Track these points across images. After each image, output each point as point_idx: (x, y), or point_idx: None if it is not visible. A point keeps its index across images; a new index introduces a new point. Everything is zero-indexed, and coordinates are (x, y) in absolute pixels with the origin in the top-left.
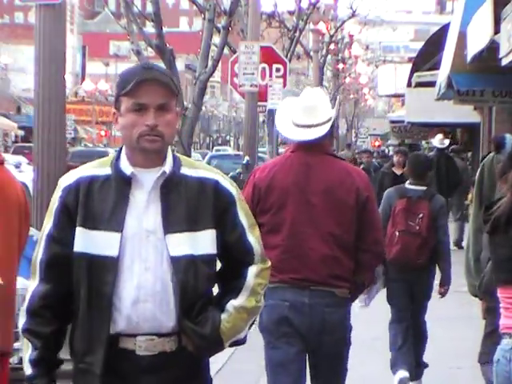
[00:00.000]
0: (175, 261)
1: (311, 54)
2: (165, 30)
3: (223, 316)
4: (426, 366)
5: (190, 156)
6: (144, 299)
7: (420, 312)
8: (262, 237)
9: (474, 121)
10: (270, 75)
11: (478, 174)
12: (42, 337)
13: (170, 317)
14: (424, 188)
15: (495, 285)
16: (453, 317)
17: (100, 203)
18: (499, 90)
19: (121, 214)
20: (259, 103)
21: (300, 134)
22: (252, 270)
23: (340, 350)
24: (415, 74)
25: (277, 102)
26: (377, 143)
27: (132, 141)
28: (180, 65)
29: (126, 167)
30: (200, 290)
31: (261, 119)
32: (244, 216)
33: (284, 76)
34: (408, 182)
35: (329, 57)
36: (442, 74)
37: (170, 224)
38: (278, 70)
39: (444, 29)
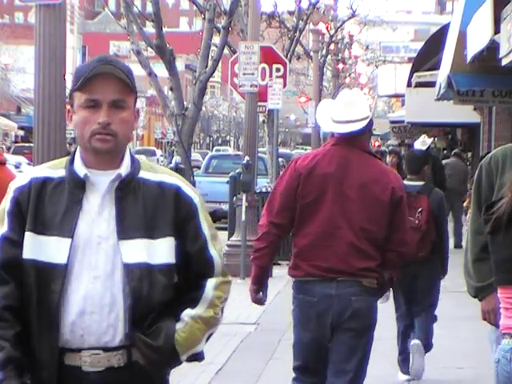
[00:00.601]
0: (128, 268)
1: (311, 54)
2: (165, 30)
3: (178, 326)
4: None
5: (190, 156)
6: (90, 311)
7: (423, 315)
8: (296, 224)
9: (473, 121)
10: (270, 75)
11: (476, 174)
12: (6, 338)
13: (118, 330)
14: (422, 183)
15: (495, 285)
16: (453, 317)
17: (51, 207)
18: (499, 90)
19: (72, 218)
20: (259, 103)
21: (338, 128)
22: (211, 283)
23: (362, 333)
24: (415, 74)
25: (277, 101)
26: (377, 143)
27: (84, 140)
28: (180, 65)
29: (80, 169)
30: (154, 301)
31: (261, 119)
32: (206, 226)
33: (284, 76)
34: (406, 178)
35: (329, 57)
36: (441, 74)
37: (125, 230)
38: (278, 70)
39: (444, 29)
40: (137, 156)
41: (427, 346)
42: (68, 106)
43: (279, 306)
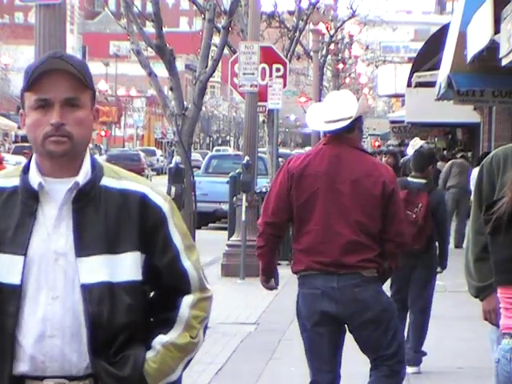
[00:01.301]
0: (87, 289)
1: (311, 54)
2: (165, 30)
3: (149, 354)
4: (425, 354)
5: (190, 156)
6: (51, 334)
7: (420, 303)
8: (294, 223)
9: (473, 121)
10: (270, 75)
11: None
12: None
13: (82, 356)
14: (424, 181)
15: (495, 285)
16: (453, 317)
17: (3, 220)
18: (499, 90)
19: (25, 233)
20: (259, 103)
21: (325, 126)
22: (187, 300)
23: (381, 321)
24: (415, 74)
25: (277, 101)
26: (377, 143)
27: (37, 144)
28: (180, 65)
29: (34, 177)
30: (118, 324)
31: (261, 119)
32: (178, 236)
33: (284, 76)
34: (411, 175)
35: (329, 57)
36: (441, 74)
37: (83, 245)
38: (278, 69)
39: (444, 29)
40: (99, 160)
41: (423, 329)
42: (21, 110)
43: (279, 306)
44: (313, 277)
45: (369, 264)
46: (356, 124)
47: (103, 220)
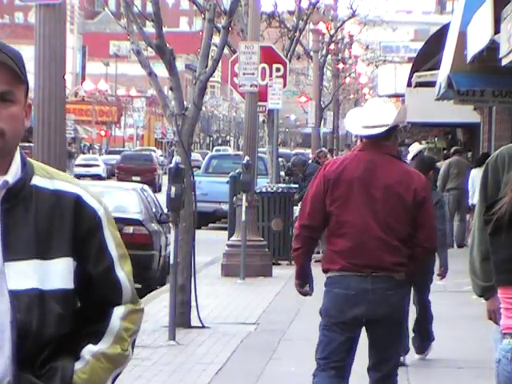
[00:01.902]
0: (15, 296)
1: (311, 54)
2: (165, 30)
3: (78, 365)
4: (433, 339)
5: (190, 156)
6: None
7: (423, 291)
8: (329, 226)
9: (474, 121)
10: (270, 75)
11: (482, 172)
12: None
13: (6, 368)
14: None
15: (495, 285)
16: (453, 317)
17: None
18: (499, 89)
19: None
20: (259, 103)
21: (362, 131)
22: (118, 312)
23: (399, 324)
24: (415, 74)
25: (277, 101)
26: None
27: None
28: (180, 65)
29: None
30: (47, 335)
31: (261, 119)
32: (113, 244)
33: (284, 76)
34: None
35: (329, 57)
36: (441, 74)
37: (12, 249)
38: (278, 69)
39: (444, 29)
40: (31, 159)
41: (429, 315)
42: None
43: (279, 306)
44: (347, 277)
45: (400, 268)
46: (392, 132)
47: (34, 222)
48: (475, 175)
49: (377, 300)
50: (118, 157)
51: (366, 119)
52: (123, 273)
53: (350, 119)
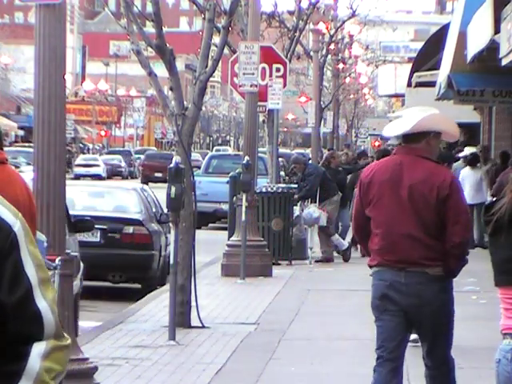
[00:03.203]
0: None
1: (311, 53)
2: (165, 30)
3: None
4: None
5: (190, 156)
6: None
7: None
8: (372, 226)
9: (474, 121)
10: (270, 75)
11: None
12: None
13: None
14: None
15: (495, 286)
16: None
17: None
18: (499, 90)
19: None
20: (259, 103)
21: (393, 136)
22: (38, 349)
23: (440, 319)
24: (415, 74)
25: (277, 101)
26: (377, 143)
27: None
28: (180, 65)
29: None
30: None
31: (261, 119)
32: (32, 266)
33: (284, 76)
34: None
35: (329, 57)
36: (442, 74)
37: None
38: (278, 69)
39: (444, 29)
40: None
41: None
42: None
43: (279, 306)
44: (383, 272)
45: (432, 262)
46: (423, 136)
47: None
48: (466, 175)
49: (409, 292)
50: (118, 156)
51: (396, 126)
52: (45, 302)
53: (391, 126)
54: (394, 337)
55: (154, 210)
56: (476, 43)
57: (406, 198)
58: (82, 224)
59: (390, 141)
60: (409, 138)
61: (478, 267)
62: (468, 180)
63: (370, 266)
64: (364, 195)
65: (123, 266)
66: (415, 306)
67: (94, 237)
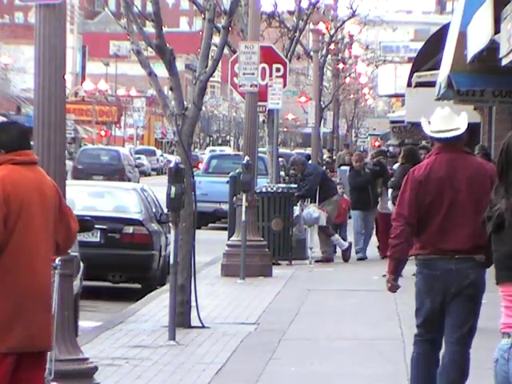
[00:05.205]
0: None
1: (311, 53)
2: (165, 30)
3: None
4: None
5: (190, 156)
6: None
7: None
8: (421, 219)
9: (474, 121)
10: (270, 75)
11: None
12: None
13: None
14: None
15: (496, 284)
16: None
17: None
18: (499, 90)
19: None
20: (259, 103)
21: (440, 135)
22: None
23: (475, 298)
24: (415, 74)
25: (277, 101)
26: (377, 143)
27: None
28: (180, 65)
29: None
30: None
31: (261, 119)
32: None
33: (284, 76)
34: None
35: (329, 57)
36: (441, 74)
37: None
38: (278, 69)
39: (444, 29)
40: None
41: None
42: None
43: (279, 306)
44: (434, 260)
45: (479, 250)
46: (464, 134)
47: None
48: None
49: (460, 277)
50: None
51: (440, 125)
52: None
53: (426, 126)
54: (433, 319)
55: (153, 209)
56: (476, 43)
57: (463, 191)
58: (81, 224)
59: (389, 141)
60: (455, 137)
61: None
62: None
63: (418, 255)
64: (423, 191)
65: (123, 266)
66: (461, 287)
67: (94, 237)
